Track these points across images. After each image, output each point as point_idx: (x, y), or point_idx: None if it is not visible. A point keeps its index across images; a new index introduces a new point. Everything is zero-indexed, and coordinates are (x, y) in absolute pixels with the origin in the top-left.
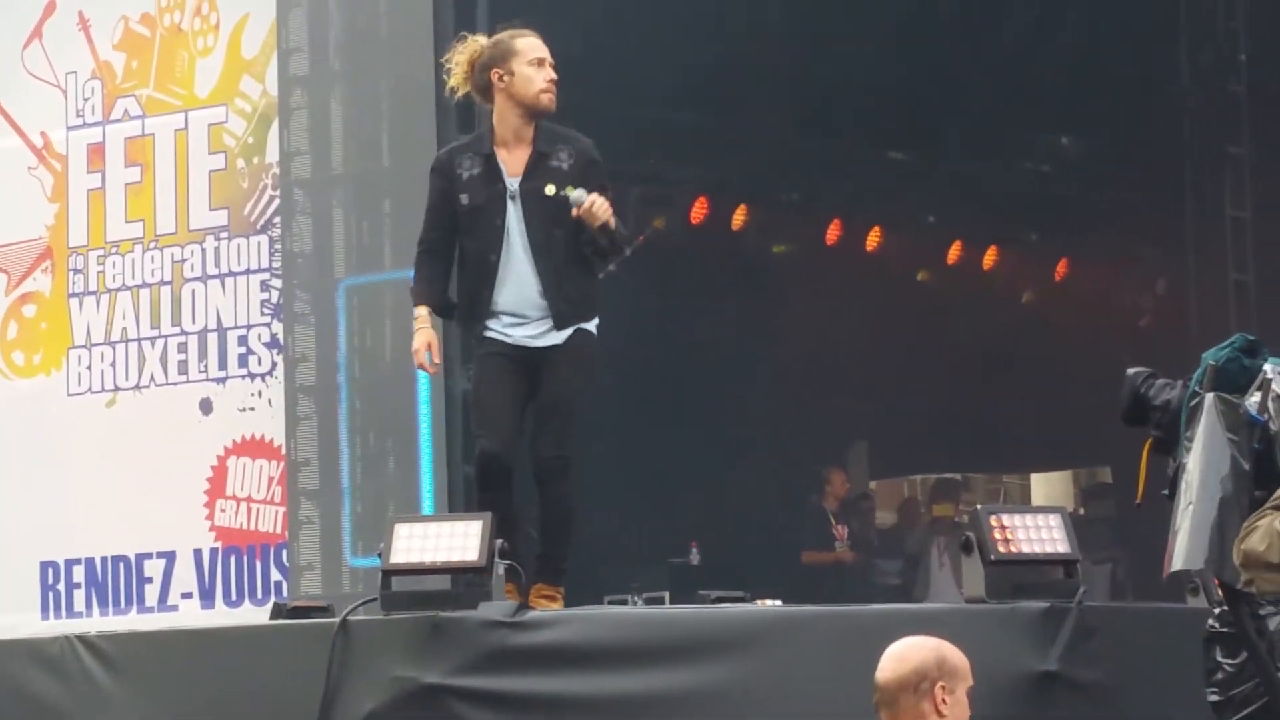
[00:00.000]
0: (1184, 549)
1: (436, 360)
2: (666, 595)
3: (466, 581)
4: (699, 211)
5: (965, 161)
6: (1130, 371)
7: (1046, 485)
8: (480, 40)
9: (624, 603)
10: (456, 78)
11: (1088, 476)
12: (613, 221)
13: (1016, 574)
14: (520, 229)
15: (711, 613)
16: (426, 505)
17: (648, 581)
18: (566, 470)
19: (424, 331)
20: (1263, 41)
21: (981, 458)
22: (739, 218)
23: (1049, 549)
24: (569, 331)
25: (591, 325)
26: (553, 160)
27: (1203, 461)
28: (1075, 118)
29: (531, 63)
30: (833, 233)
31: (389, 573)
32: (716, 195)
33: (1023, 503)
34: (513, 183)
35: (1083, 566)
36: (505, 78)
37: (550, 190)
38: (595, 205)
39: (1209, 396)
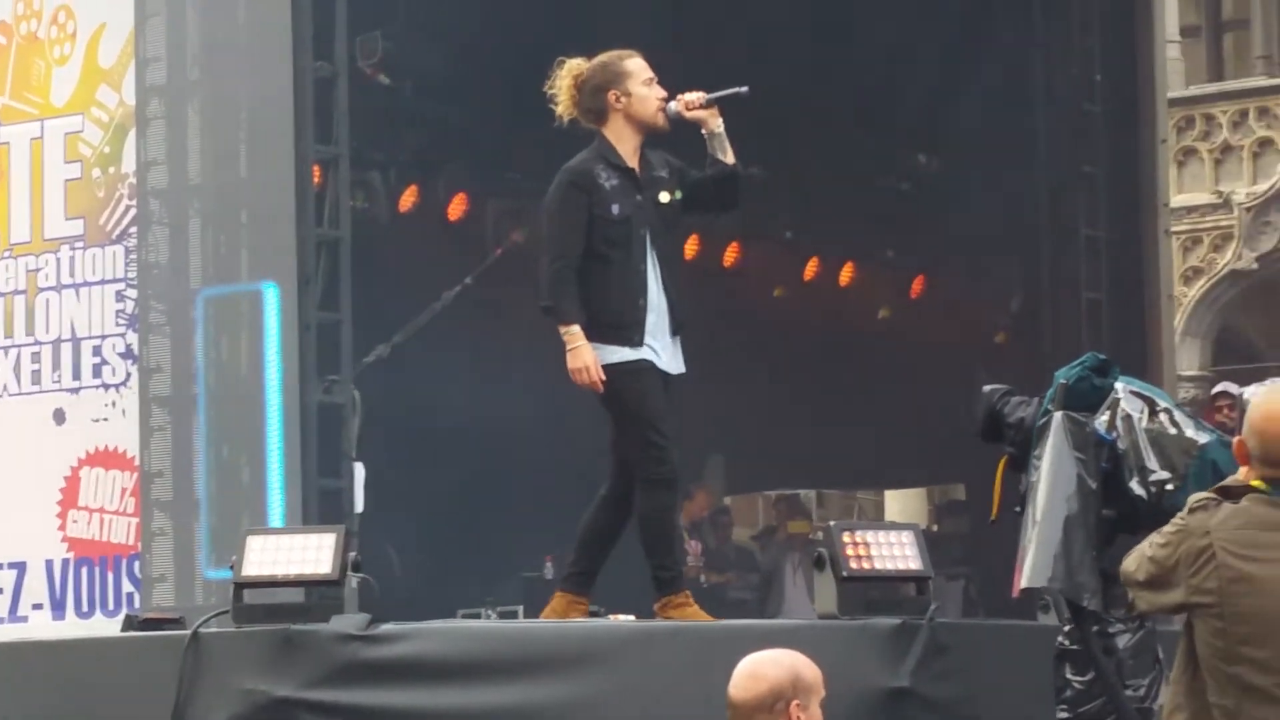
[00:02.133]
0: (1029, 567)
1: (602, 377)
2: (520, 609)
3: (319, 594)
4: None
5: (823, 178)
6: (986, 389)
7: (900, 502)
8: (581, 63)
9: (478, 616)
10: (564, 104)
11: (941, 493)
12: (715, 123)
13: (869, 590)
14: (649, 241)
15: (564, 627)
16: (278, 518)
17: (502, 595)
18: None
19: (586, 349)
20: (1118, 60)
21: (836, 474)
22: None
23: (901, 565)
24: (681, 369)
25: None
26: (657, 171)
27: (1049, 480)
28: (932, 135)
29: (645, 82)
30: (691, 247)
31: (241, 585)
32: None
33: (877, 519)
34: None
35: (935, 583)
36: (623, 99)
37: (664, 197)
38: (690, 102)
39: (1057, 415)
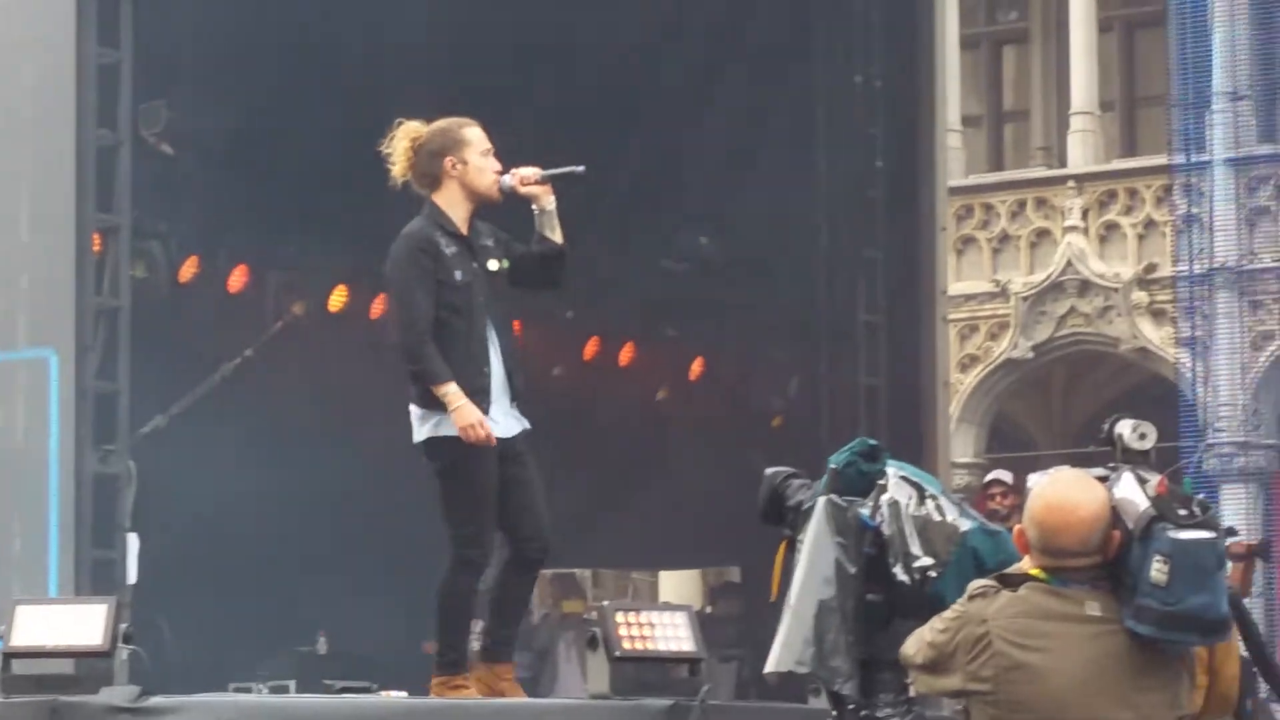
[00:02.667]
0: (777, 650)
1: (489, 432)
2: (292, 684)
3: (89, 666)
4: (339, 299)
5: (604, 258)
6: (769, 471)
7: (675, 583)
8: (419, 126)
9: (249, 690)
10: (400, 166)
11: (716, 575)
12: (547, 204)
13: (641, 671)
14: (486, 309)
15: (334, 702)
16: (52, 588)
17: (275, 670)
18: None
19: (468, 405)
20: (899, 148)
21: (612, 554)
22: (378, 306)
23: (674, 646)
24: (524, 425)
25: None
26: (484, 239)
27: (806, 564)
28: (715, 218)
29: (483, 153)
30: None
31: (10, 655)
32: (355, 283)
33: (651, 600)
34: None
35: (708, 664)
36: (459, 166)
37: (494, 265)
38: (525, 177)
39: (820, 500)
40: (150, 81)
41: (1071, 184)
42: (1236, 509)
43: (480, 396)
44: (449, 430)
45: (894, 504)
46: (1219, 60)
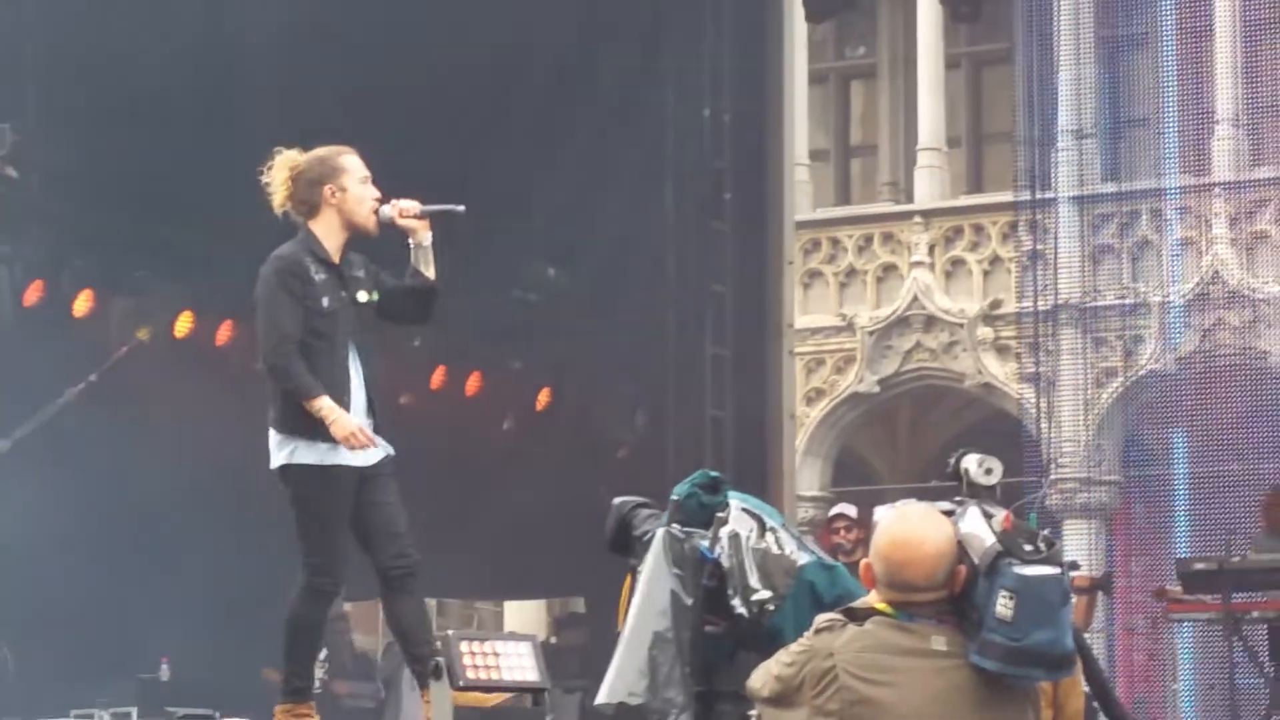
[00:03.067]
0: (608, 682)
1: (371, 438)
2: (134, 711)
3: None
4: (184, 325)
5: (452, 286)
6: (617, 501)
7: (520, 613)
8: (296, 155)
9: (91, 717)
10: (279, 195)
11: (561, 605)
12: (423, 238)
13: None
14: (350, 338)
15: None
16: None
17: (117, 696)
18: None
19: (344, 415)
20: (747, 180)
21: (456, 583)
22: (224, 333)
23: (518, 676)
24: (387, 451)
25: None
26: (355, 270)
27: (642, 595)
28: (563, 248)
29: (361, 180)
30: None
31: None
32: (201, 309)
33: (496, 630)
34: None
35: (552, 695)
36: (338, 194)
37: (363, 297)
38: (405, 210)
39: (660, 531)
40: None
41: (918, 219)
42: (1079, 545)
43: (323, 430)
44: (304, 458)
45: (734, 536)
46: (1065, 98)
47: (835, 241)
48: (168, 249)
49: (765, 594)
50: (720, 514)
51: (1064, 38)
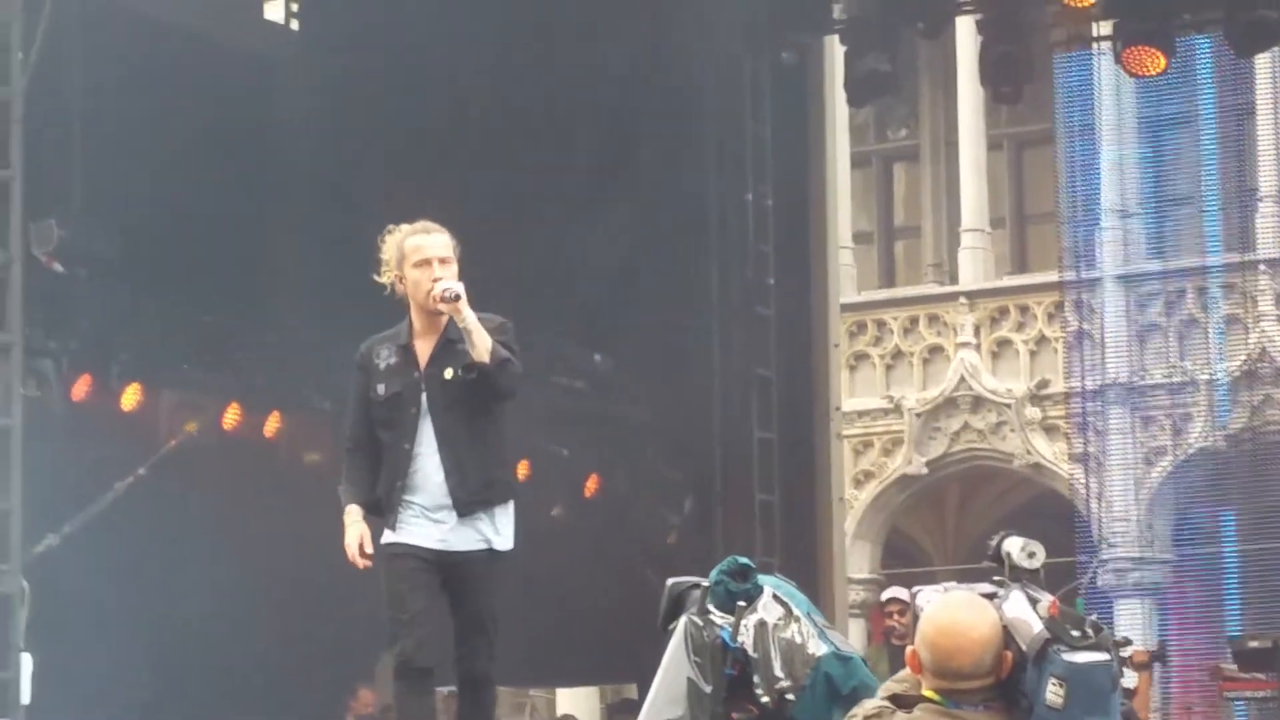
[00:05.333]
0: None
1: (369, 552)
2: None
3: None
4: (232, 418)
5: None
6: (671, 581)
7: (573, 700)
8: (399, 231)
9: None
10: (385, 275)
11: (614, 692)
12: (465, 318)
13: None
14: (428, 417)
15: None
16: None
17: None
18: (491, 685)
19: (354, 526)
20: (791, 264)
21: (508, 671)
22: (271, 424)
23: None
24: (474, 546)
25: (498, 537)
26: (460, 344)
27: (658, 682)
28: (608, 335)
29: (417, 265)
30: None
31: None
32: (248, 401)
33: (549, 717)
34: (420, 369)
35: None
36: (403, 280)
37: (449, 374)
38: (437, 295)
39: (684, 618)
40: (40, 199)
41: (963, 300)
42: (1132, 624)
43: (389, 512)
44: (382, 539)
45: (761, 624)
46: (1107, 177)
47: (881, 324)
48: (214, 341)
49: (787, 683)
50: (741, 603)
51: (1105, 117)
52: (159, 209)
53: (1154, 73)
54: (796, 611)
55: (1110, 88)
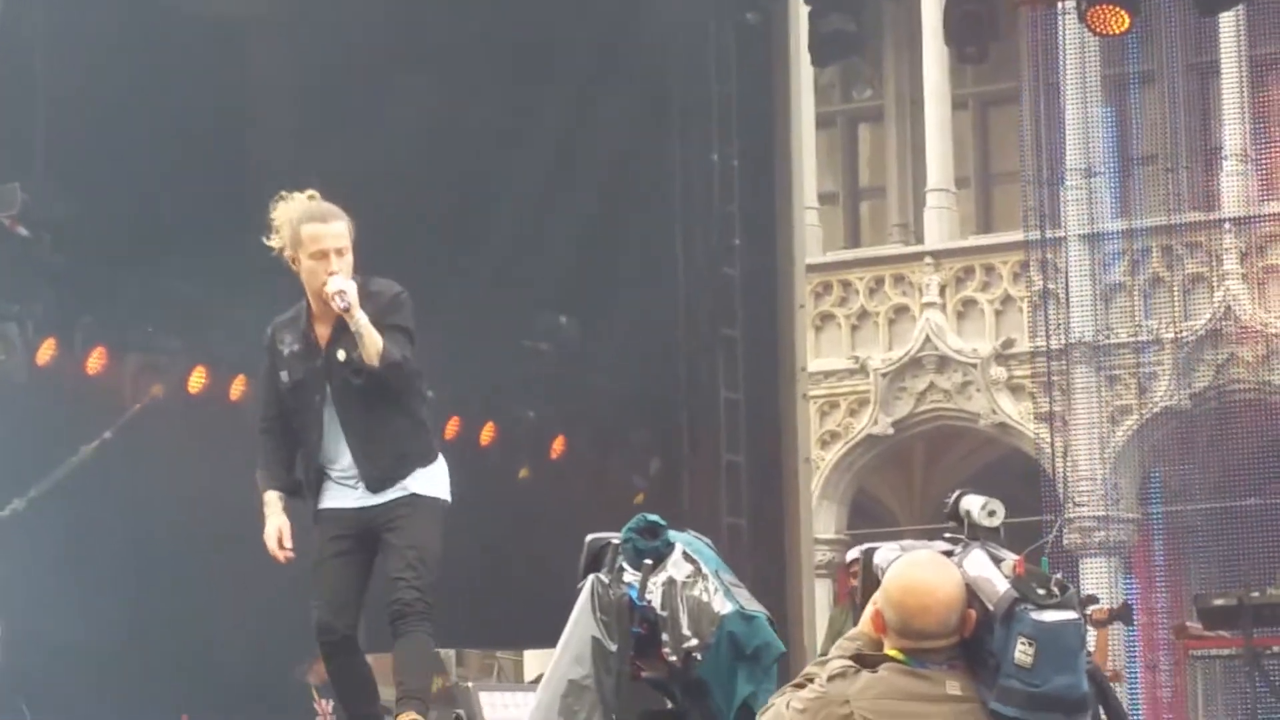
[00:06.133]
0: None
1: (288, 544)
2: None
3: None
4: (198, 381)
5: (463, 337)
6: (590, 538)
7: (540, 661)
8: (286, 209)
9: None
10: (277, 246)
11: None
12: (355, 321)
13: None
14: (332, 404)
15: None
16: None
17: None
18: (417, 617)
19: (273, 518)
20: (757, 225)
21: (476, 633)
22: (237, 388)
23: None
24: (391, 495)
25: (416, 484)
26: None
27: (562, 642)
28: (574, 297)
29: (314, 256)
30: None
31: None
32: (214, 364)
33: (516, 678)
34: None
35: None
36: (297, 262)
37: (341, 355)
38: (331, 295)
39: (591, 576)
40: (3, 164)
41: (929, 260)
42: (1098, 583)
43: (310, 489)
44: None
45: (670, 582)
46: (1072, 137)
47: (846, 284)
48: (179, 304)
49: (694, 641)
50: (648, 560)
51: (1070, 77)
52: (123, 172)
53: (1118, 31)
54: (705, 569)
55: (1075, 47)
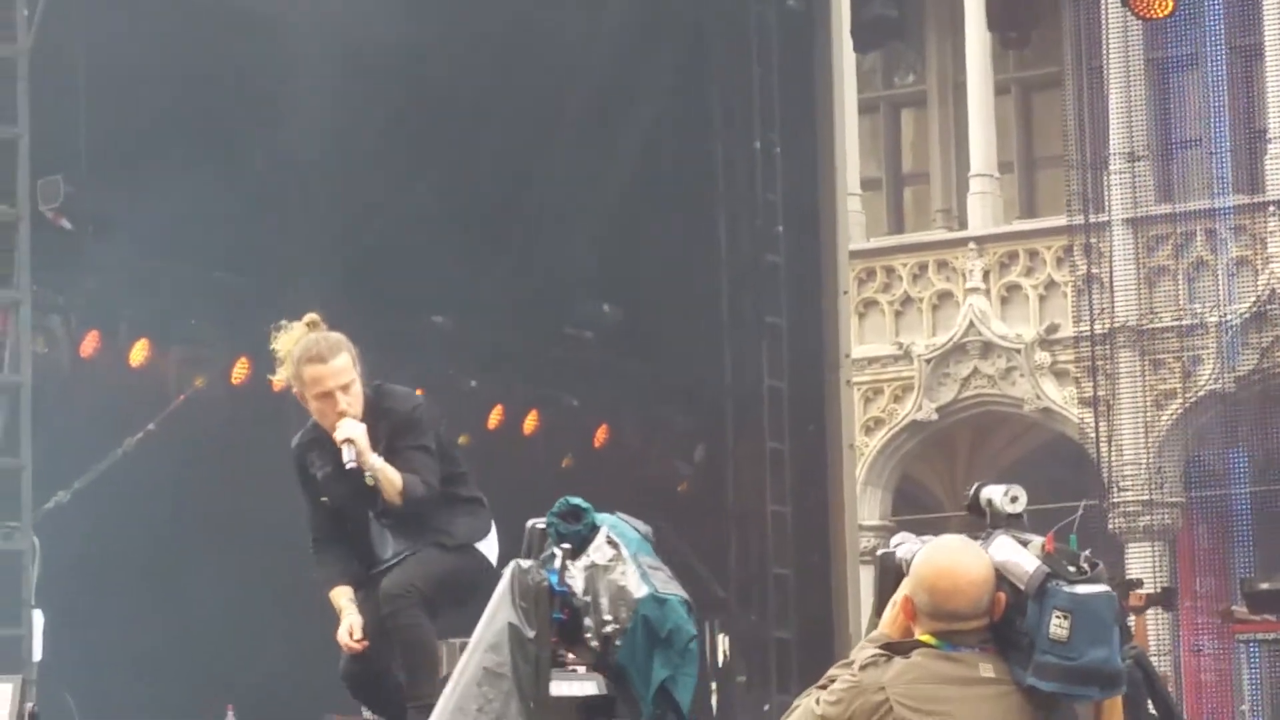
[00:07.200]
0: (435, 715)
1: (357, 636)
2: None
3: None
4: (241, 372)
5: (506, 327)
6: (529, 523)
7: None
8: (292, 338)
9: None
10: (282, 376)
11: None
12: (369, 467)
13: None
14: (373, 520)
15: None
16: None
17: None
18: (391, 601)
19: (347, 616)
20: (800, 212)
21: None
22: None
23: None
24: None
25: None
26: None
27: (479, 629)
28: (616, 285)
29: (318, 396)
30: None
31: None
32: (256, 355)
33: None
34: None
35: None
36: (303, 399)
37: (370, 481)
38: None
39: (513, 562)
40: (47, 156)
41: (972, 246)
42: (1144, 567)
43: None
44: None
45: (593, 566)
46: (1115, 121)
47: (890, 270)
48: (221, 295)
49: (614, 626)
50: (566, 545)
51: (1113, 61)
52: (165, 165)
53: (1161, 15)
54: (624, 552)
55: (1118, 30)
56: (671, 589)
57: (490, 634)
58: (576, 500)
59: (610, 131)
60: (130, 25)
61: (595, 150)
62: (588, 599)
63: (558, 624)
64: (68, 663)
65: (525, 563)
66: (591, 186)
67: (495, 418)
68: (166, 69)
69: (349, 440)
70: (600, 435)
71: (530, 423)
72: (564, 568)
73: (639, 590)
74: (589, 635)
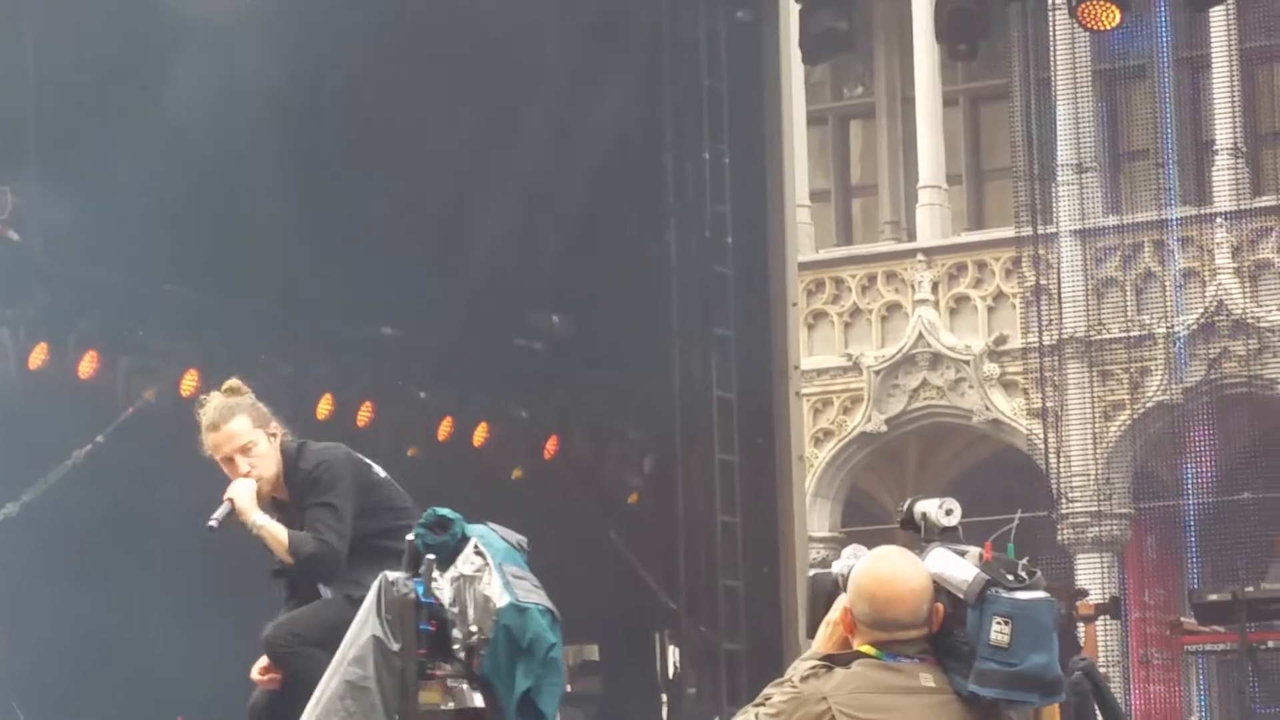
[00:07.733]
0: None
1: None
2: None
3: None
4: (190, 384)
5: (455, 338)
6: (408, 537)
7: None
8: (202, 413)
9: None
10: None
11: (575, 653)
12: (252, 525)
13: None
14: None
15: None
16: None
17: None
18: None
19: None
20: (749, 224)
21: None
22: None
23: None
24: None
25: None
26: (284, 509)
27: (347, 639)
28: (566, 297)
29: (223, 462)
30: (324, 408)
31: None
32: (206, 368)
33: None
34: None
35: None
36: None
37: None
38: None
39: (380, 575)
40: None
41: (921, 257)
42: (1092, 578)
43: None
44: None
45: (460, 577)
46: (1063, 133)
47: (839, 282)
48: (171, 308)
49: (478, 637)
50: (431, 556)
51: (1061, 72)
52: (114, 176)
53: (1109, 26)
54: (490, 562)
55: (1065, 42)
56: (534, 598)
57: (355, 648)
58: (444, 510)
59: (560, 143)
60: (79, 34)
61: (546, 161)
62: (455, 610)
63: (425, 635)
64: (15, 673)
65: (392, 575)
66: (541, 198)
67: (445, 429)
68: (116, 79)
69: (228, 499)
70: (550, 446)
71: (480, 434)
72: (431, 578)
73: (501, 599)
74: (456, 646)
